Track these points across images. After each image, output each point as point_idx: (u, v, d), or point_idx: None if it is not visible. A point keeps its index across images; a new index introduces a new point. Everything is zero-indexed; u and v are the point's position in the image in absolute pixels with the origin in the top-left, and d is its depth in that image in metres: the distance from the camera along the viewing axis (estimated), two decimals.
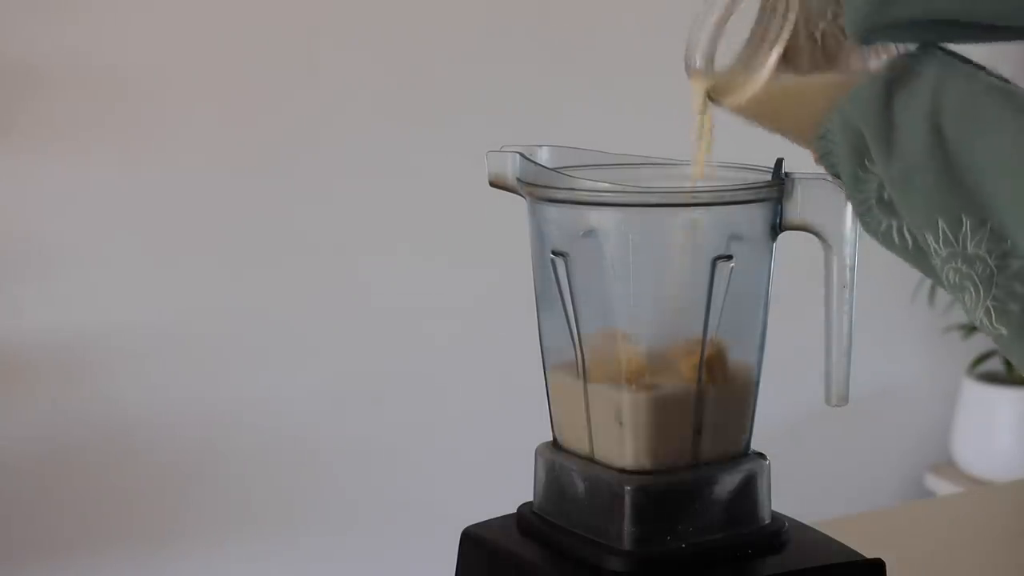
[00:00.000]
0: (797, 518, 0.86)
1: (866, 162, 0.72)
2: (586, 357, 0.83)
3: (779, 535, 0.83)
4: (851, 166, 0.73)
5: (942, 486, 2.47)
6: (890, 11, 0.70)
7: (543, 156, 0.86)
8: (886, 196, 0.72)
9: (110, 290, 1.93)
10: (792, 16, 0.76)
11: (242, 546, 2.05)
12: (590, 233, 0.81)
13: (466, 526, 0.87)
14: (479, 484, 1.97)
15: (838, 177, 0.75)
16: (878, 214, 0.73)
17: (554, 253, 0.83)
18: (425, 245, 2.10)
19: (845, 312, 0.82)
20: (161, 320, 1.97)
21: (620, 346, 0.81)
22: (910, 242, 0.72)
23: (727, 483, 0.82)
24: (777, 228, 0.83)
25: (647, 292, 0.81)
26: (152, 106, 1.92)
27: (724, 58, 0.79)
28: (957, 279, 0.69)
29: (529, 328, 0.88)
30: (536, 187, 0.83)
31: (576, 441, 0.84)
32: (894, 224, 0.73)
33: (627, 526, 0.79)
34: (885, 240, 0.74)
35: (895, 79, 0.72)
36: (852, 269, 0.81)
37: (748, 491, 0.83)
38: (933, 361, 2.53)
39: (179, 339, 1.98)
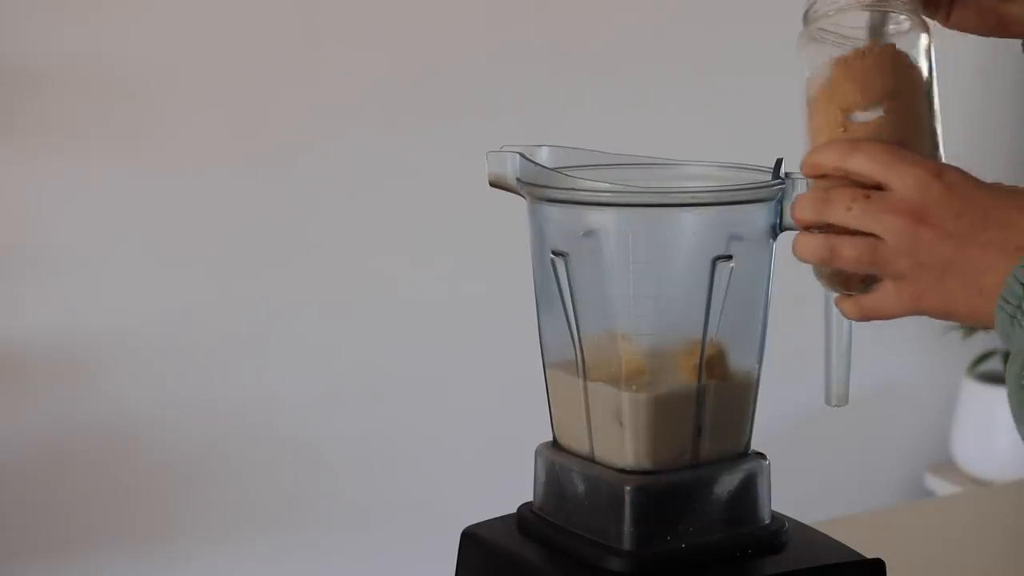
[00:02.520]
0: (797, 518, 0.86)
1: None
2: (586, 357, 0.83)
3: (779, 535, 0.83)
4: None
5: (942, 486, 2.47)
6: None
7: (543, 156, 0.86)
8: None
9: (111, 290, 1.93)
10: None
11: (244, 545, 2.05)
12: (590, 233, 0.81)
13: (466, 526, 0.87)
14: (479, 484, 1.97)
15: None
16: None
17: (554, 253, 0.83)
18: (425, 245, 2.10)
19: None
20: (162, 320, 1.97)
21: (620, 346, 0.81)
22: None
23: (727, 483, 0.82)
24: (777, 228, 0.83)
25: (647, 292, 0.81)
26: (153, 106, 1.92)
27: None
28: None
29: (529, 328, 0.88)
30: (536, 187, 0.83)
31: (576, 441, 0.84)
32: None
33: (627, 526, 0.79)
34: None
35: None
36: None
37: (748, 491, 0.83)
38: (933, 361, 2.53)
39: (180, 339, 1.98)
